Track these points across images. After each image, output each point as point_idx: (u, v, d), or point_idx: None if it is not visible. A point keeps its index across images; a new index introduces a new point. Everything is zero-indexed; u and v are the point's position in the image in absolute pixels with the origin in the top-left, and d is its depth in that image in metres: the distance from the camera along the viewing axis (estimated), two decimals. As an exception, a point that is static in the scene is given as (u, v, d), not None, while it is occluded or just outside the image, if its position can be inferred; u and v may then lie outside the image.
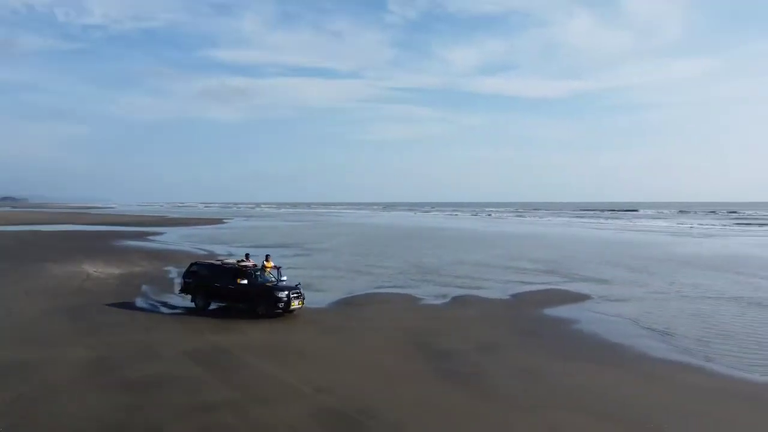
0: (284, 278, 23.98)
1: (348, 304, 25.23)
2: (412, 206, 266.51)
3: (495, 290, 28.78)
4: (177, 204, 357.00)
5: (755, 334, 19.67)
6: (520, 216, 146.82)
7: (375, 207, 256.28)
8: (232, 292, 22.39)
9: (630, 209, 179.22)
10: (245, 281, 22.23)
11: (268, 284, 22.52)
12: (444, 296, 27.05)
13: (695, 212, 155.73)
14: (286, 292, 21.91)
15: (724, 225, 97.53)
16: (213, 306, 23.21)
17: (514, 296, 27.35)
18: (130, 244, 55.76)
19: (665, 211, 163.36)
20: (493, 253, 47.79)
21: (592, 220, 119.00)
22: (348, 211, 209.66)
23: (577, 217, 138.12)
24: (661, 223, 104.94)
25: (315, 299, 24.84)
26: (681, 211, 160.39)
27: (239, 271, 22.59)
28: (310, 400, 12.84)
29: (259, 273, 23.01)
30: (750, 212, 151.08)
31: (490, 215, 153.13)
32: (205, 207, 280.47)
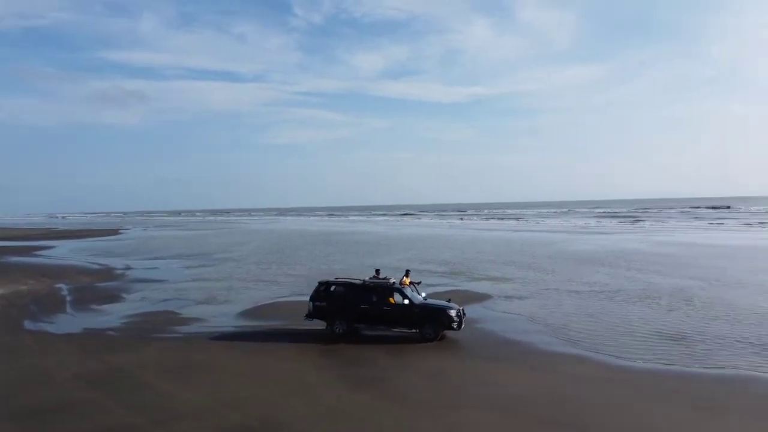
0: (423, 295, 21.46)
1: (253, 314, 24.88)
2: (328, 211, 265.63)
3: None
4: (68, 214, 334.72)
5: (637, 324, 21.41)
6: (438, 218, 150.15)
7: (285, 212, 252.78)
8: (388, 314, 19.80)
9: (529, 209, 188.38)
10: (406, 300, 19.77)
11: (425, 303, 20.18)
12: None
13: (585, 210, 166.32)
14: (457, 310, 19.76)
15: (620, 222, 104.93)
16: (368, 332, 20.67)
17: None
18: (15, 260, 51.76)
19: (557, 211, 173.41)
20: (401, 256, 48.67)
21: (494, 221, 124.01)
22: (256, 217, 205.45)
23: (486, 218, 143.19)
24: (556, 222, 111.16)
25: (218, 311, 24.29)
26: (570, 210, 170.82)
27: (394, 289, 20.10)
28: (214, 417, 12.62)
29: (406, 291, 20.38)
30: (624, 210, 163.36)
31: (404, 218, 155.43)
32: (99, 217, 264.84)
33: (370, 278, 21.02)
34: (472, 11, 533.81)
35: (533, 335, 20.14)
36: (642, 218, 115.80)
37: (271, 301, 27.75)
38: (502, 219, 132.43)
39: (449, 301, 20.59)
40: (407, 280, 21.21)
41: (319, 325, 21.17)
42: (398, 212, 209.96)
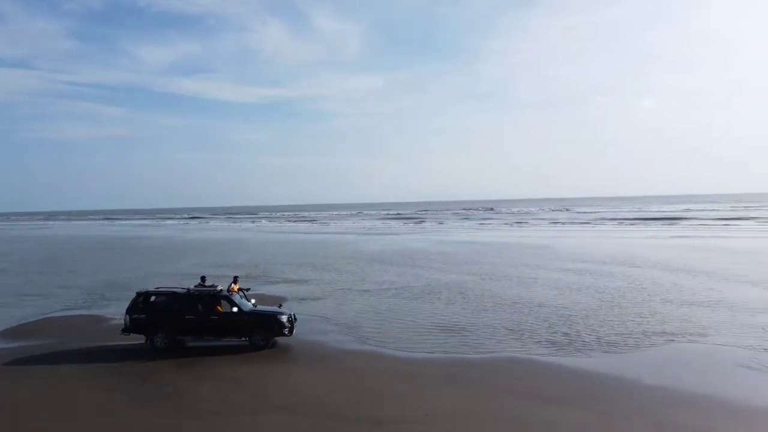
0: (253, 301, 20.41)
1: (19, 333, 21.83)
2: (107, 214, 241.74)
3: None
4: None
5: (421, 319, 23.22)
6: (229, 221, 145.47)
7: (54, 216, 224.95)
8: (215, 324, 18.56)
9: (322, 211, 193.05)
10: (234, 308, 18.63)
11: (255, 310, 19.33)
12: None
13: (373, 212, 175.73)
14: (288, 315, 19.15)
15: (405, 223, 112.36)
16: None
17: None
18: None
19: (348, 213, 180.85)
20: (193, 261, 46.57)
21: (288, 224, 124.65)
22: (18, 222, 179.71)
23: (279, 221, 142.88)
24: (347, 224, 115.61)
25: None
26: (360, 212, 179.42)
27: (221, 296, 18.89)
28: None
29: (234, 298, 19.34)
30: (410, 212, 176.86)
31: (193, 221, 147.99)
32: None
33: (195, 286, 19.92)
34: (267, 12, 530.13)
35: (328, 335, 20.71)
36: (424, 219, 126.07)
37: (44, 317, 24.65)
38: (296, 222, 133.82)
39: (280, 306, 20.30)
40: (236, 287, 20.49)
41: (101, 341, 19.29)
42: (187, 215, 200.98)
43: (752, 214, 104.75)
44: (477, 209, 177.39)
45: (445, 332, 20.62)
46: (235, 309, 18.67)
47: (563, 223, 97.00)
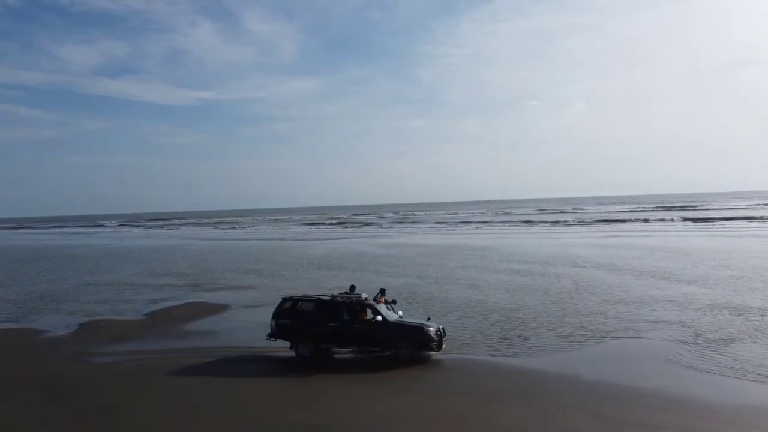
0: (400, 313, 19.01)
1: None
2: (24, 222, 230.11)
3: (131, 311, 27.29)
4: None
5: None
6: (159, 228, 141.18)
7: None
8: (359, 333, 17.68)
9: (250, 216, 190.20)
10: (378, 317, 17.67)
11: (400, 322, 18.11)
12: (70, 326, 24.38)
13: (314, 216, 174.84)
14: (436, 328, 17.73)
15: (345, 227, 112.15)
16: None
17: (152, 314, 26.45)
18: None
19: (293, 217, 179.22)
20: (131, 270, 45.02)
21: (233, 229, 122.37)
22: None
23: (231, 227, 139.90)
24: (299, 229, 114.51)
25: None
26: (291, 218, 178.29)
27: (366, 304, 18.03)
28: None
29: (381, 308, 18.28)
30: (346, 215, 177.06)
31: (123, 228, 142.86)
32: None
33: (339, 294, 19.07)
34: (197, 13, 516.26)
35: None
36: (364, 222, 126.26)
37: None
38: (235, 228, 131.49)
39: (428, 319, 18.85)
40: (383, 299, 19.14)
41: (27, 357, 18.33)
42: (117, 222, 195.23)
43: (682, 214, 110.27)
44: (420, 212, 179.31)
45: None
46: (379, 318, 17.70)
47: (501, 224, 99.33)
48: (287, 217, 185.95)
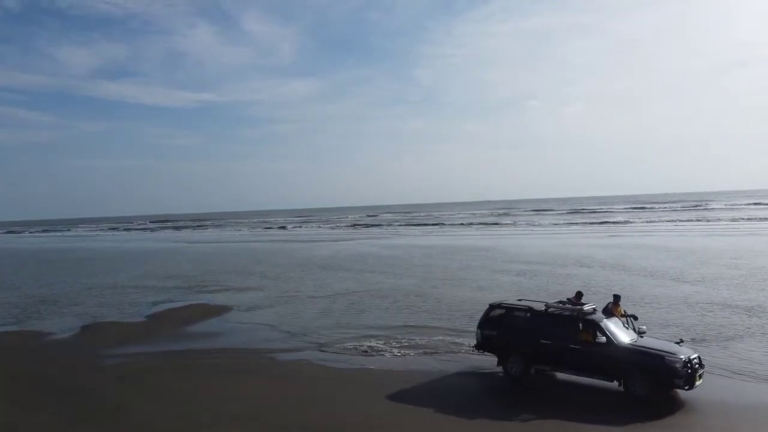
0: (644, 328, 15.09)
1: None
2: (32, 225, 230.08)
3: (133, 314, 27.07)
4: None
5: (362, 318, 23.05)
6: (165, 230, 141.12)
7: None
8: (575, 355, 14.18)
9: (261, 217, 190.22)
10: (603, 338, 13.94)
11: (637, 344, 13.90)
12: (73, 328, 24.15)
13: (317, 218, 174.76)
14: (687, 356, 13.22)
15: (346, 228, 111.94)
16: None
17: (154, 316, 26.24)
18: None
19: (291, 218, 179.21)
20: (132, 273, 44.79)
21: (245, 231, 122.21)
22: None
23: (236, 229, 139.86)
24: (302, 231, 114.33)
25: None
26: (303, 219, 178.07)
27: (584, 319, 14.36)
28: None
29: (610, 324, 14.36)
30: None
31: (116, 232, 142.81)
32: None
33: (557, 302, 15.71)
34: (195, 15, 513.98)
35: (275, 343, 20.28)
36: (368, 224, 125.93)
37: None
38: (239, 230, 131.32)
39: (680, 343, 14.26)
40: (620, 310, 15.39)
41: (34, 359, 18.06)
42: (116, 223, 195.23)
43: (689, 215, 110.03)
44: (420, 212, 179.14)
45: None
46: (604, 339, 13.91)
47: (502, 224, 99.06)
48: (287, 218, 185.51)
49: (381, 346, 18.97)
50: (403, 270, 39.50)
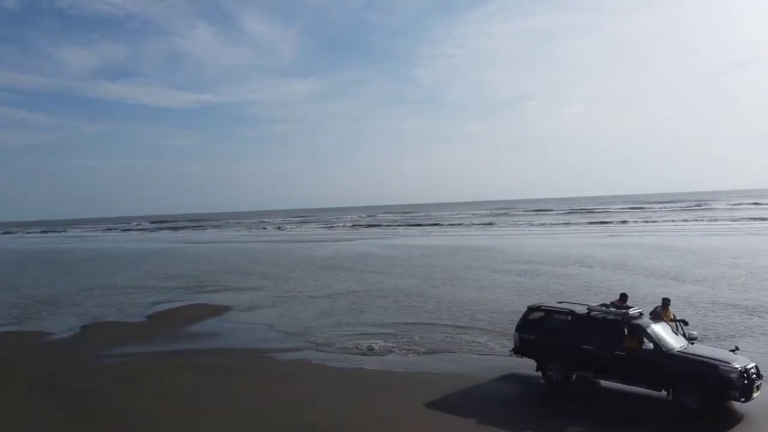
0: (695, 334, 14.30)
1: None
2: (31, 226, 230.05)
3: (133, 314, 27.04)
4: None
5: (362, 318, 22.99)
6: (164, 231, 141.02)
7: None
8: (620, 362, 13.29)
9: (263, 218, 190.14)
10: (650, 345, 13.03)
11: (687, 352, 12.88)
12: (73, 328, 24.12)
13: (317, 218, 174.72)
14: (742, 366, 12.15)
15: (346, 228, 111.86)
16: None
17: (153, 316, 26.21)
18: None
19: (291, 219, 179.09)
20: (132, 273, 44.74)
21: (244, 231, 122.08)
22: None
23: (240, 230, 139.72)
24: (302, 231, 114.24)
25: None
26: (303, 219, 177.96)
27: (629, 324, 13.47)
28: None
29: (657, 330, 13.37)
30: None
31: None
32: None
33: (600, 305, 14.67)
34: (194, 16, 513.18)
35: (275, 343, 20.22)
36: (369, 224, 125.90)
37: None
38: (239, 230, 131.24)
39: (735, 350, 13.06)
40: (669, 314, 14.59)
41: (33, 358, 18.01)
42: (116, 224, 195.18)
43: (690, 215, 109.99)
44: (420, 213, 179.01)
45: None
46: (651, 345, 13.01)
47: (503, 225, 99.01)
48: (286, 218, 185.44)
49: (381, 346, 18.91)
50: (403, 270, 39.44)
